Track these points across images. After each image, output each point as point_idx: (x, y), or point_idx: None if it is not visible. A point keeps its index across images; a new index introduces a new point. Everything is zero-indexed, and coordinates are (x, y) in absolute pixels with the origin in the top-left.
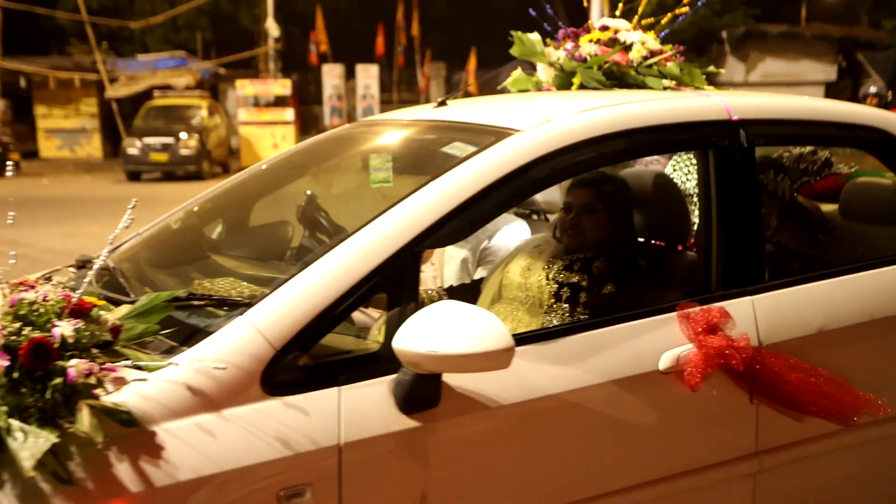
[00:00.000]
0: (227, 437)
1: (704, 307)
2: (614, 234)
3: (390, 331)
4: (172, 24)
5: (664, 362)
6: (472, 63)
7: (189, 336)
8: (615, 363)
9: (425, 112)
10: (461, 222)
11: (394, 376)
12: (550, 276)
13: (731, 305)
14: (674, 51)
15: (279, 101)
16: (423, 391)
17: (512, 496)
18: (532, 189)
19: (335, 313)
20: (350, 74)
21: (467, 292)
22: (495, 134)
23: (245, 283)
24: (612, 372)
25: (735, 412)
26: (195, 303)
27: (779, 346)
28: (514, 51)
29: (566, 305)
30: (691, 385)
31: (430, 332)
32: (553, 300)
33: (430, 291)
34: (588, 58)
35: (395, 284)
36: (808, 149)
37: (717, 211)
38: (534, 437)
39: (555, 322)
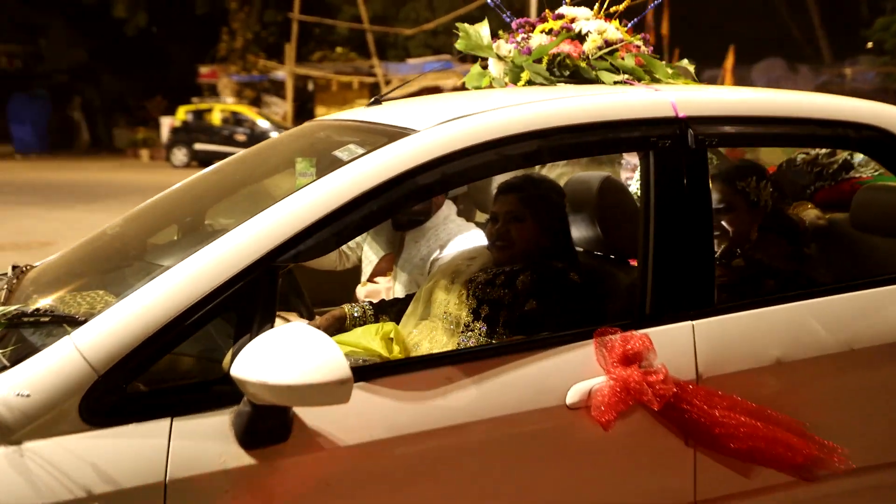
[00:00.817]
0: (23, 473)
1: (625, 333)
2: (547, 245)
3: (237, 355)
4: (431, 30)
5: (572, 396)
6: (729, 60)
7: (23, 356)
8: (513, 396)
9: (357, 112)
10: (328, 234)
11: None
12: (471, 291)
13: (664, 332)
14: (639, 41)
15: None
16: (266, 424)
17: None
18: (422, 195)
19: (172, 335)
20: None
21: (395, 307)
22: (389, 135)
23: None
24: (508, 406)
25: (667, 456)
26: (26, 319)
27: (723, 381)
28: (458, 44)
29: (484, 326)
30: (601, 423)
31: (266, 359)
32: (471, 318)
33: (353, 307)
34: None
35: (245, 303)
36: (824, 150)
37: (655, 221)
38: (403, 480)
39: (471, 343)
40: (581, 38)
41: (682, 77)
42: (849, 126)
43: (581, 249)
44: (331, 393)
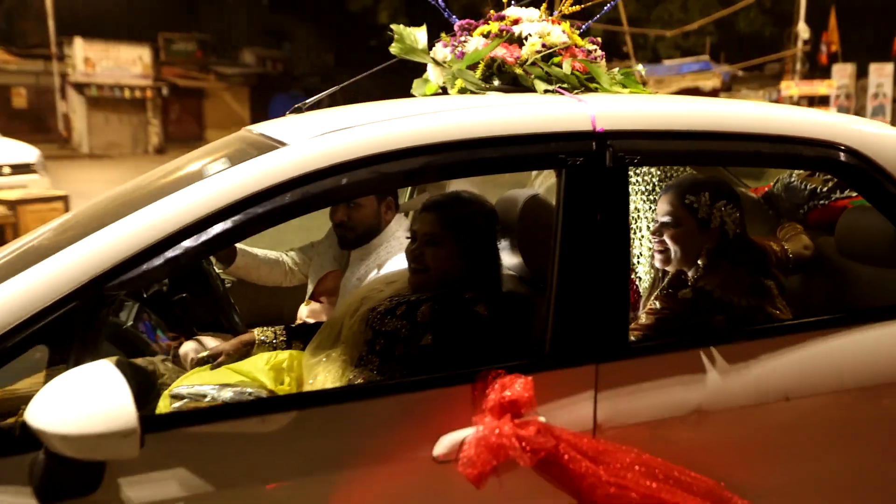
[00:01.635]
0: None
1: (505, 377)
2: (465, 272)
3: None
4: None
5: (441, 447)
6: None
7: None
8: (373, 444)
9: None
10: (165, 260)
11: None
12: (370, 321)
13: (562, 375)
14: (589, 45)
15: (822, 101)
16: (68, 474)
17: None
18: (284, 214)
19: None
20: (861, 73)
21: (317, 332)
22: (260, 148)
23: None
24: (368, 456)
25: None
26: None
27: (629, 432)
28: (392, 48)
29: (377, 360)
30: (471, 479)
31: (57, 404)
32: (365, 350)
33: (264, 331)
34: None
35: (59, 337)
36: None
37: (560, 249)
38: None
39: (360, 380)
40: (521, 41)
41: (634, 85)
42: (816, 145)
43: (514, 275)
44: (114, 445)
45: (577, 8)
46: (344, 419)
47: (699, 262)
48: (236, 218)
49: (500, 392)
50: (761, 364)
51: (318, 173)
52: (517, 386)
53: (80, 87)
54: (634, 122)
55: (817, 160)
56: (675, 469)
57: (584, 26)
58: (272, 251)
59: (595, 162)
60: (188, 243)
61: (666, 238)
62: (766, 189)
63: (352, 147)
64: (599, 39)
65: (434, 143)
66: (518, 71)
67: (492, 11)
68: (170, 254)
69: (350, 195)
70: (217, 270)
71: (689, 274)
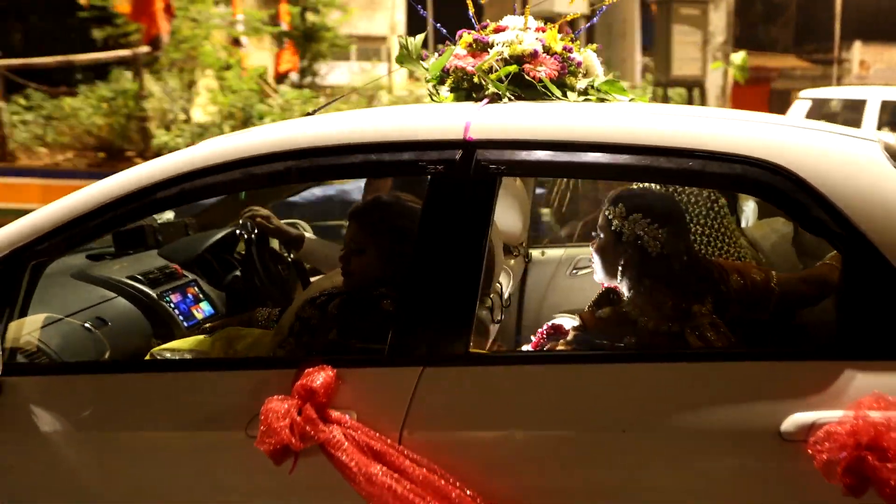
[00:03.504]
0: None
1: (317, 367)
2: (387, 274)
3: None
4: None
5: (252, 426)
6: None
7: None
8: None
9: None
10: (63, 238)
11: None
12: (298, 308)
13: (387, 373)
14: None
15: None
16: None
17: None
18: (161, 206)
19: None
20: None
21: None
22: None
23: None
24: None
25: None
26: None
27: (431, 440)
28: (396, 59)
29: (292, 342)
30: (266, 454)
31: None
32: (286, 334)
33: (260, 314)
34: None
35: None
36: None
37: (414, 252)
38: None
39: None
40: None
41: (619, 91)
42: (727, 161)
43: None
44: None
45: (576, 14)
46: (196, 387)
47: (621, 278)
48: (124, 209)
49: (306, 379)
50: (618, 392)
51: (191, 174)
52: (317, 376)
53: None
54: (507, 132)
55: (730, 178)
56: (441, 482)
57: (576, 33)
58: None
59: (458, 171)
60: (82, 227)
61: (591, 247)
62: None
63: (220, 152)
64: (595, 46)
65: (296, 149)
66: (476, 80)
67: (486, 21)
68: (67, 234)
69: (221, 193)
70: (286, 254)
71: (618, 292)
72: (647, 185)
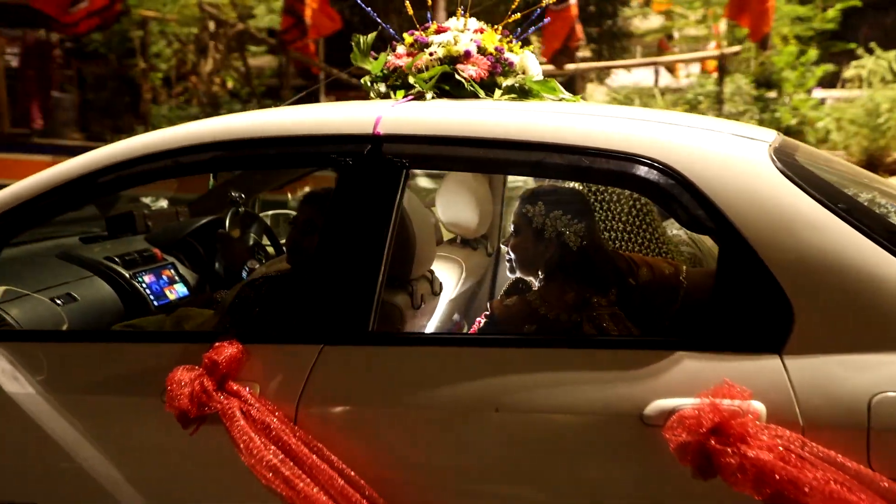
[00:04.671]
0: None
1: (226, 342)
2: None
3: None
4: None
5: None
6: None
7: None
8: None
9: None
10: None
11: None
12: (240, 287)
13: (291, 350)
14: (501, 54)
15: None
16: None
17: None
18: (102, 191)
19: None
20: None
21: None
22: None
23: None
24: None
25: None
26: None
27: (323, 415)
28: (353, 57)
29: (228, 319)
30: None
31: None
32: (225, 313)
33: (219, 294)
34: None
35: None
36: None
37: (321, 238)
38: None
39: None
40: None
41: (549, 91)
42: (616, 158)
43: None
44: None
45: (516, 16)
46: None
47: (535, 272)
48: (71, 191)
49: (210, 353)
50: (475, 370)
51: (126, 162)
52: (224, 350)
53: None
54: (413, 127)
55: (620, 175)
56: (321, 460)
57: (516, 34)
58: None
59: (366, 163)
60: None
61: (508, 247)
62: None
63: (155, 142)
64: (528, 48)
65: (222, 141)
66: (410, 79)
67: (434, 22)
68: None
69: (151, 180)
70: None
71: (527, 282)
72: (556, 182)
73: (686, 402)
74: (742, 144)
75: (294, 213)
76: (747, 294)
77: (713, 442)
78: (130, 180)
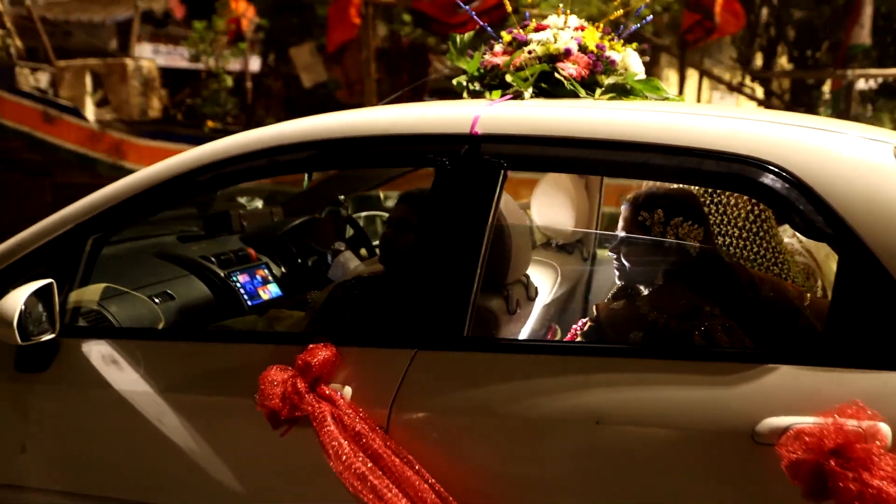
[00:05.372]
0: None
1: (320, 345)
2: None
3: None
4: None
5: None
6: None
7: None
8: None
9: None
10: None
11: None
12: (332, 289)
13: (383, 354)
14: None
15: None
16: (29, 355)
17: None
18: (199, 190)
19: None
20: None
21: None
22: None
23: None
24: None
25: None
26: None
27: (418, 421)
28: (448, 57)
29: (321, 320)
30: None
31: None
32: (316, 315)
33: (310, 296)
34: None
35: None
36: None
37: (416, 242)
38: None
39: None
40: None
41: (653, 91)
42: (729, 160)
43: None
44: (3, 332)
45: (619, 13)
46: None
47: (647, 277)
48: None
49: (308, 354)
50: (575, 379)
51: (226, 160)
52: (318, 353)
53: None
54: (512, 127)
55: (731, 177)
56: (412, 472)
57: (618, 32)
58: None
59: (464, 163)
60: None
61: (611, 253)
62: None
63: (250, 142)
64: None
65: (321, 140)
66: (507, 77)
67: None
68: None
69: (255, 178)
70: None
71: (636, 286)
72: (667, 185)
73: (804, 421)
74: (865, 146)
75: (386, 214)
76: (869, 306)
77: (833, 464)
78: (229, 178)
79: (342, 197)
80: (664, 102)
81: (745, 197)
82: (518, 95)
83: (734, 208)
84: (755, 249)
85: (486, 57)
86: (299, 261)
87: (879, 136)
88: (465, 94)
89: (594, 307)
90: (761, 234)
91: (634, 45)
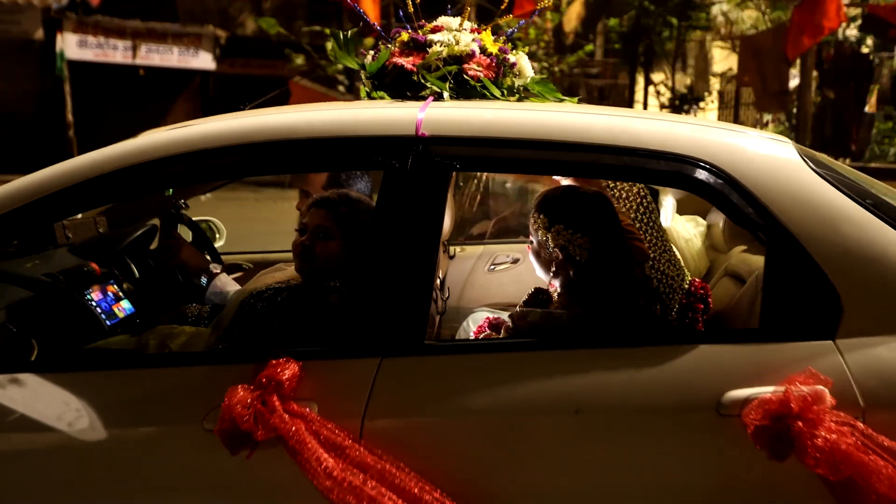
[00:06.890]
0: None
1: (282, 360)
2: (345, 263)
3: None
4: None
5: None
6: None
7: None
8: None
9: None
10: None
11: None
12: (243, 300)
13: (347, 365)
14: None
15: None
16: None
17: None
18: (116, 195)
19: None
20: None
21: None
22: None
23: None
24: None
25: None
26: None
27: (392, 426)
28: (331, 54)
29: (234, 332)
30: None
31: None
32: (229, 328)
33: (189, 310)
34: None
35: None
36: None
37: (371, 246)
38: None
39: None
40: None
41: (549, 92)
42: (666, 159)
43: None
44: None
45: (508, 17)
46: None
47: (554, 279)
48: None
49: (270, 371)
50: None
51: (147, 164)
52: (284, 368)
53: None
54: (462, 128)
55: (668, 175)
56: (401, 476)
57: (508, 33)
58: None
59: (412, 164)
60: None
61: (528, 249)
62: None
63: (174, 143)
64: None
65: (249, 142)
66: (415, 78)
67: (423, 21)
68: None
69: (176, 184)
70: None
71: (548, 292)
72: (571, 187)
73: (762, 391)
74: (776, 145)
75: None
76: (795, 283)
77: (800, 425)
78: (148, 185)
79: (183, 201)
80: (575, 104)
81: (636, 189)
82: (438, 97)
83: (625, 201)
84: (647, 238)
85: (394, 58)
86: (141, 274)
87: (777, 138)
88: (362, 95)
89: (509, 316)
90: (650, 223)
91: (524, 48)
